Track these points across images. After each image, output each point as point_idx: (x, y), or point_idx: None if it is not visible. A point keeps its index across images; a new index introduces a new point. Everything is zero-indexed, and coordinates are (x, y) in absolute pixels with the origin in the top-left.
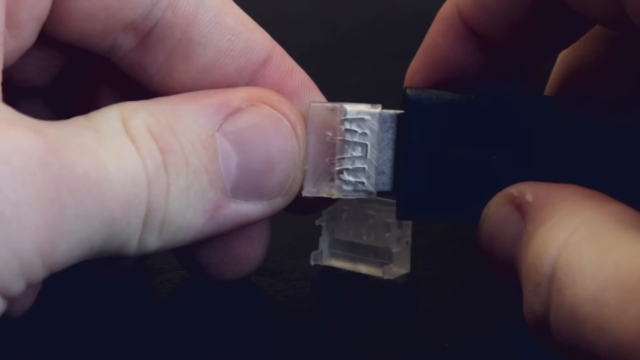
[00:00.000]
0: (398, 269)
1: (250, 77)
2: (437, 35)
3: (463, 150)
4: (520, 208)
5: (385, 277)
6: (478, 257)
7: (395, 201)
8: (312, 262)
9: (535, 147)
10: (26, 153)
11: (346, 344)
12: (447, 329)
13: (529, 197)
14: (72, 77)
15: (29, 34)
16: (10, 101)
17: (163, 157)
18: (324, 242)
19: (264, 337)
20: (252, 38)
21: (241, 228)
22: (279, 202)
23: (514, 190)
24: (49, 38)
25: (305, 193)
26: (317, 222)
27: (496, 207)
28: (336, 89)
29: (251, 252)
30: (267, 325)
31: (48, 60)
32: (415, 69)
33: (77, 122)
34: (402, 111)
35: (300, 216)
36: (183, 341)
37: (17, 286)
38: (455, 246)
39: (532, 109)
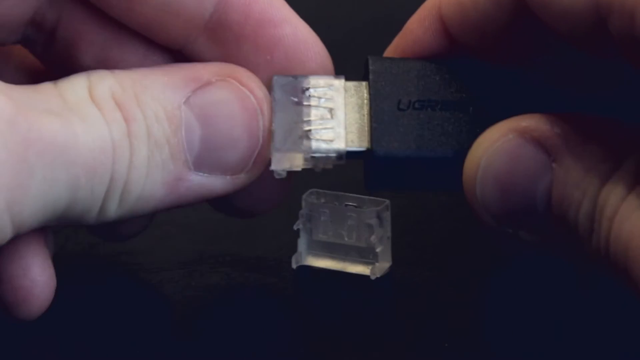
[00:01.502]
0: (383, 265)
1: (214, 6)
2: (415, 22)
3: (424, 109)
4: (540, 142)
5: (373, 277)
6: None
7: (371, 198)
8: (294, 265)
9: (478, 99)
10: None
11: (342, 341)
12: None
13: (557, 130)
14: (42, 26)
15: None
16: None
17: (127, 126)
18: (302, 244)
19: (262, 335)
20: None
21: (204, 200)
22: (242, 178)
23: (524, 123)
24: None
25: (273, 164)
26: (295, 227)
27: (502, 141)
28: None
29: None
30: (265, 321)
31: (11, 5)
32: (389, 51)
33: (45, 87)
34: (365, 82)
35: (242, 217)
36: (179, 338)
37: None
38: (435, 238)
39: (470, 68)
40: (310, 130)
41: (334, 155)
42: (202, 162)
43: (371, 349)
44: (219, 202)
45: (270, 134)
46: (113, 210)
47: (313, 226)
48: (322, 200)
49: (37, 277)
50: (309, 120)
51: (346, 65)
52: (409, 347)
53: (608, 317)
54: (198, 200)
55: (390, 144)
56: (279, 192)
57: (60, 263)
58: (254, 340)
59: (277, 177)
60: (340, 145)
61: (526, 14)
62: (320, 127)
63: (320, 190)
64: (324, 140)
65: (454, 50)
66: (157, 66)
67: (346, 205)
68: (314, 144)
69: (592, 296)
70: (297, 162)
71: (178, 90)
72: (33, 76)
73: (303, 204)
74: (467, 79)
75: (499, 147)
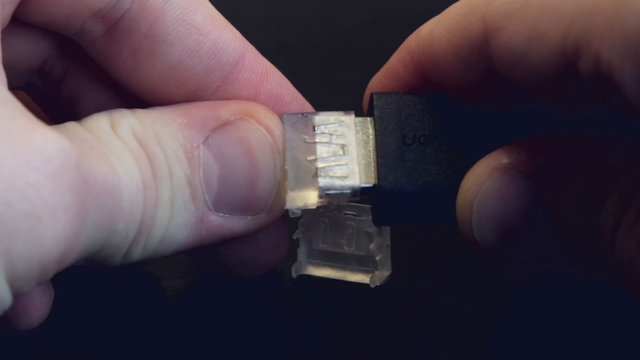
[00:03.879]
0: (382, 273)
1: (223, 79)
2: (398, 64)
3: (429, 144)
4: (527, 175)
5: (373, 285)
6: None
7: (370, 207)
8: (294, 274)
9: (471, 134)
10: (66, 153)
11: (342, 350)
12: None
13: (541, 160)
14: (48, 78)
15: (6, 14)
16: None
17: (151, 166)
18: (302, 254)
19: (262, 342)
20: (221, 38)
21: (225, 241)
22: (263, 218)
23: (505, 159)
24: (20, 22)
25: (288, 203)
26: (294, 236)
27: (489, 182)
28: (336, 89)
29: (274, 252)
30: (265, 330)
31: (23, 47)
32: (375, 86)
33: (74, 127)
34: (370, 117)
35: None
36: (181, 346)
37: (30, 287)
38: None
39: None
40: (323, 168)
41: (348, 192)
42: (221, 202)
43: (371, 357)
44: (210, 264)
45: (284, 173)
46: (138, 253)
47: (312, 235)
48: (321, 209)
49: (35, 289)
50: (322, 157)
51: (346, 64)
52: (408, 355)
53: (609, 326)
54: (219, 241)
55: (398, 179)
56: (273, 256)
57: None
58: (254, 350)
59: (292, 215)
60: (354, 181)
61: (495, 73)
62: (334, 163)
63: None
64: (338, 177)
65: (434, 90)
66: (176, 105)
67: (345, 214)
68: (328, 182)
69: (593, 304)
70: (311, 200)
71: (197, 129)
72: None
73: (302, 213)
74: (466, 113)
75: (486, 188)
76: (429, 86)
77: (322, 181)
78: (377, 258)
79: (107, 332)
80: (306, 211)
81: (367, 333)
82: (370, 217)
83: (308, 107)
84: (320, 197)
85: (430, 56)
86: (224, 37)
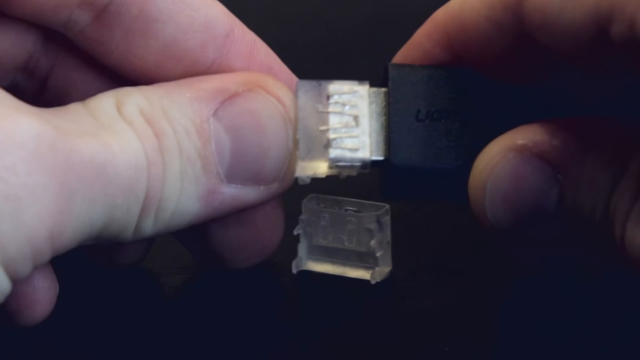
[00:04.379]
0: (383, 269)
1: (217, 52)
2: (423, 36)
3: (442, 120)
4: (541, 156)
5: (373, 282)
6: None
7: (370, 203)
8: (294, 270)
9: (487, 109)
10: (39, 137)
11: (343, 347)
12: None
13: (556, 141)
14: (35, 74)
15: None
16: None
17: (158, 141)
18: (302, 249)
19: (263, 338)
20: (211, 13)
21: (239, 212)
22: (276, 188)
23: (521, 140)
24: (4, 16)
25: (298, 172)
26: (295, 232)
27: (503, 162)
28: None
29: (272, 234)
30: (265, 326)
31: (7, 42)
32: (399, 59)
33: (75, 108)
34: (384, 88)
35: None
36: (181, 342)
37: (26, 269)
38: (434, 242)
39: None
40: (335, 139)
41: (358, 164)
42: (234, 173)
43: (371, 354)
44: (208, 255)
45: (295, 142)
46: (149, 227)
47: (313, 231)
48: (322, 205)
49: (39, 283)
50: (334, 128)
51: (346, 65)
52: (408, 351)
53: (611, 322)
54: (233, 213)
55: (408, 155)
56: (270, 240)
57: (60, 268)
58: (254, 346)
59: (301, 183)
60: (365, 154)
61: (527, 37)
62: (345, 135)
63: (320, 195)
64: (349, 149)
65: (460, 63)
66: (182, 80)
67: (346, 210)
68: (339, 153)
69: (596, 298)
70: (321, 170)
71: (206, 103)
72: None
73: (303, 208)
74: (484, 90)
75: (501, 169)
76: (455, 59)
77: (333, 152)
78: (378, 254)
79: (106, 327)
80: (307, 207)
81: (366, 329)
82: (371, 213)
83: (294, 78)
84: (330, 167)
85: (460, 22)
86: (214, 11)
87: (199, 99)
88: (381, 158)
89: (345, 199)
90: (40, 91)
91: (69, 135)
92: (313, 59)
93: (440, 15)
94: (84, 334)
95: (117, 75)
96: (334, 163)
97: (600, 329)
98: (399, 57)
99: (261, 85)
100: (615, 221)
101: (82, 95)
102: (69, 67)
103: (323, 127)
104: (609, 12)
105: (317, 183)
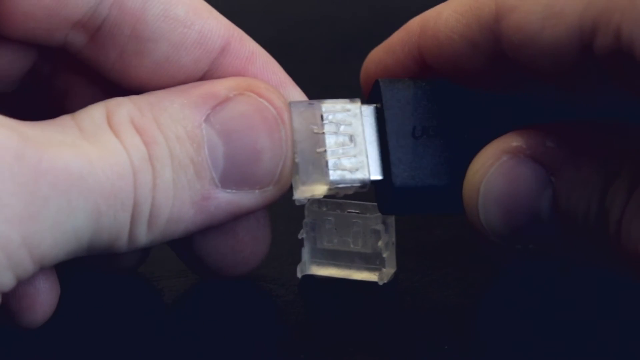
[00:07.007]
0: (389, 270)
1: (209, 67)
2: (397, 44)
3: (437, 136)
4: (535, 158)
5: (381, 283)
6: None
7: (373, 204)
8: (299, 274)
9: (475, 120)
10: (4, 147)
11: (346, 347)
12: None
13: (550, 144)
14: (40, 77)
15: None
16: None
17: (147, 150)
18: (306, 253)
19: (264, 342)
20: (205, 27)
21: (237, 218)
22: (271, 191)
23: (514, 142)
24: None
25: (297, 195)
26: (299, 236)
27: (497, 164)
28: (336, 89)
29: (254, 246)
30: (267, 331)
31: (5, 59)
32: (372, 60)
33: (62, 120)
34: (375, 105)
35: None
36: (181, 347)
37: (6, 279)
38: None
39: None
40: (333, 161)
41: (358, 185)
42: (228, 178)
43: (372, 354)
44: (194, 263)
45: (292, 143)
46: (144, 235)
47: (317, 234)
48: (324, 209)
49: (41, 284)
50: (331, 149)
51: (346, 65)
52: (409, 351)
53: (611, 321)
54: (229, 218)
55: (408, 174)
56: (252, 251)
57: (61, 270)
58: (257, 351)
59: (297, 204)
60: (364, 174)
61: (503, 56)
62: (343, 155)
63: (322, 199)
64: (348, 170)
65: (432, 75)
66: (174, 87)
67: (349, 212)
68: (339, 175)
69: (593, 299)
70: (320, 191)
71: (197, 109)
72: None
73: (306, 212)
74: (475, 102)
75: (495, 171)
76: (425, 70)
77: (333, 175)
78: (385, 255)
79: (105, 331)
80: (311, 210)
81: (366, 329)
82: (377, 215)
83: (301, 94)
84: (330, 189)
85: (434, 37)
86: (208, 25)
87: (190, 105)
88: (380, 177)
89: (347, 201)
90: (44, 100)
91: (41, 146)
92: (313, 59)
93: (414, 26)
94: (82, 337)
95: (113, 84)
96: (334, 185)
97: (605, 330)
98: (373, 56)
99: (252, 89)
100: (609, 219)
101: (86, 102)
102: (70, 75)
103: (320, 149)
104: (593, 25)
105: None
